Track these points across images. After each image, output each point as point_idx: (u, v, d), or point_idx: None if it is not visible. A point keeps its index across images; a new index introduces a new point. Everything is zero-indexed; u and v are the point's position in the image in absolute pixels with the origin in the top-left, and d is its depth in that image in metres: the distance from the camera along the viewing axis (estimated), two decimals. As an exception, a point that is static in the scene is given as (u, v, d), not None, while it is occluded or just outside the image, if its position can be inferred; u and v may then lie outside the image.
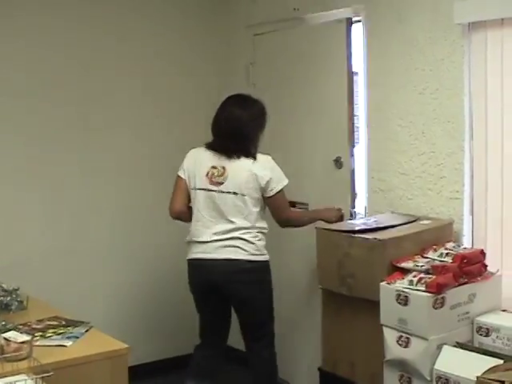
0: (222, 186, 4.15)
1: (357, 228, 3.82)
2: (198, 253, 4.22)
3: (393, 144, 4.30)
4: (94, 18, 5.00)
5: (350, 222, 4.15)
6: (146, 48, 5.27)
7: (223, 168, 4.17)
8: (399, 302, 3.36)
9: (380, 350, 3.50)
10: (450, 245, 3.71)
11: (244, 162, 4.14)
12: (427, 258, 3.59)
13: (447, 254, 3.56)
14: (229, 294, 4.22)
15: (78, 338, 3.39)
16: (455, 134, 3.93)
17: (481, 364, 3.07)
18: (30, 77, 4.74)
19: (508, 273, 3.67)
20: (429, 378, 3.26)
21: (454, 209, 3.95)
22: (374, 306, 3.51)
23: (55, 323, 3.61)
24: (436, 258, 3.57)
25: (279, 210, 4.26)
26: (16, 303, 3.87)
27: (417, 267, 3.47)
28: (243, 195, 4.12)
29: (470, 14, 3.72)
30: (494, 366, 3.04)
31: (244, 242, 4.13)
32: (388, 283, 3.45)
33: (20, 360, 2.94)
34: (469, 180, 3.91)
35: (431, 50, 4.01)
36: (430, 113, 4.05)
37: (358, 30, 4.56)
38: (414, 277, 3.39)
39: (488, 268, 3.58)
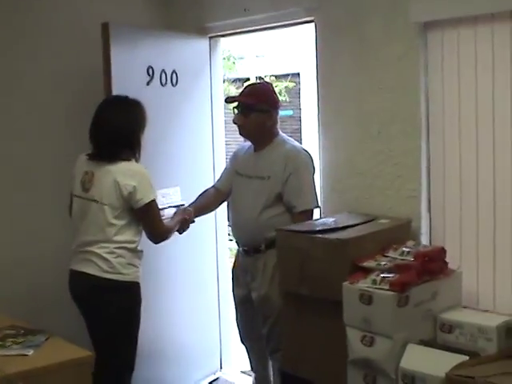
0: (88, 192, 3.98)
1: (317, 228, 3.80)
2: (70, 261, 4.07)
3: (348, 143, 4.31)
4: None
5: (309, 222, 4.12)
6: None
7: (92, 174, 3.98)
8: (363, 302, 3.35)
9: (343, 350, 3.48)
10: (410, 243, 3.72)
11: (111, 168, 3.92)
12: (388, 256, 3.60)
13: (408, 252, 3.57)
14: (86, 312, 4.03)
15: (38, 346, 3.34)
16: (412, 132, 3.95)
17: (446, 361, 3.11)
18: None
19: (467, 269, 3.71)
20: (394, 377, 3.26)
21: (411, 207, 3.97)
22: (335, 306, 3.49)
23: (13, 332, 3.55)
24: (397, 256, 3.58)
25: (149, 226, 4.03)
26: (-31, 312, 3.79)
27: (379, 266, 3.47)
28: (103, 204, 3.90)
29: (425, 13, 3.75)
30: (461, 363, 3.07)
31: (98, 257, 3.90)
32: (351, 283, 3.44)
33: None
34: (426, 178, 3.94)
35: (387, 49, 4.02)
36: (386, 112, 4.06)
37: (310, 30, 4.56)
38: (377, 276, 3.39)
39: (448, 265, 3.60)
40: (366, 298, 3.34)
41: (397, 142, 4.02)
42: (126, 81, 4.55)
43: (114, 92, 4.43)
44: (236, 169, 4.56)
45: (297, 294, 3.79)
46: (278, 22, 4.80)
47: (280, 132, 4.46)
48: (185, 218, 4.38)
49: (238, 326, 4.71)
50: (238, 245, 4.55)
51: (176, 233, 4.32)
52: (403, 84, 3.96)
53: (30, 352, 3.24)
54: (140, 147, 4.05)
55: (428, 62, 3.87)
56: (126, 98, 4.11)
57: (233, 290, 4.67)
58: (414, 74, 3.90)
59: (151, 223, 4.03)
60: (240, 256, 4.52)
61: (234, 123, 4.45)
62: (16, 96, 4.73)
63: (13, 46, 4.69)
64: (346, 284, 3.45)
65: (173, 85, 5.01)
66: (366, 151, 4.19)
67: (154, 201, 3.97)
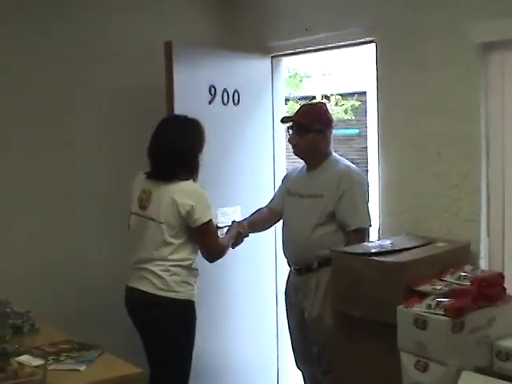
0: (146, 210, 4.00)
1: (372, 250, 3.77)
2: (128, 278, 4.10)
3: (407, 165, 4.28)
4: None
5: (365, 244, 4.09)
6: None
7: (150, 192, 4.01)
8: (417, 326, 3.29)
9: (396, 375, 3.43)
10: (467, 267, 3.65)
11: (170, 187, 3.94)
12: (445, 281, 3.53)
13: (465, 276, 3.50)
14: (141, 329, 4.06)
15: (91, 361, 3.35)
16: (471, 155, 3.90)
17: (502, 389, 3.04)
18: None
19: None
20: (448, 404, 3.20)
21: (470, 231, 3.92)
22: (388, 328, 3.44)
23: (68, 347, 3.56)
24: (454, 281, 3.51)
25: (205, 245, 4.04)
26: (28, 326, 3.83)
27: (435, 290, 3.41)
28: (161, 223, 3.92)
29: (486, 34, 3.71)
30: (516, 392, 3.01)
31: (153, 274, 3.92)
32: (405, 307, 3.38)
33: (35, 385, 2.91)
34: (485, 201, 3.88)
35: (447, 70, 3.99)
36: (446, 134, 4.02)
37: (364, 51, 4.55)
38: (432, 300, 3.33)
39: (507, 291, 3.53)
40: (421, 323, 3.28)
41: (456, 164, 3.98)
42: (188, 99, 4.60)
43: (176, 110, 4.48)
44: (288, 188, 4.56)
45: (349, 315, 3.76)
46: (339, 41, 4.80)
47: (333, 152, 4.48)
48: (239, 232, 4.42)
49: (292, 349, 4.69)
50: (289, 265, 4.54)
51: (230, 248, 4.34)
52: (463, 106, 3.92)
53: (83, 367, 3.26)
54: (198, 167, 4.05)
55: (488, 84, 3.81)
56: (185, 117, 4.13)
57: (287, 313, 4.65)
58: (473, 96, 3.86)
59: (207, 242, 4.04)
60: (292, 276, 4.51)
61: (289, 143, 4.47)
62: (80, 110, 4.83)
63: (77, 60, 4.78)
64: (400, 308, 3.40)
65: (235, 104, 5.04)
66: (424, 173, 4.15)
67: (210, 220, 3.98)
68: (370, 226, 4.29)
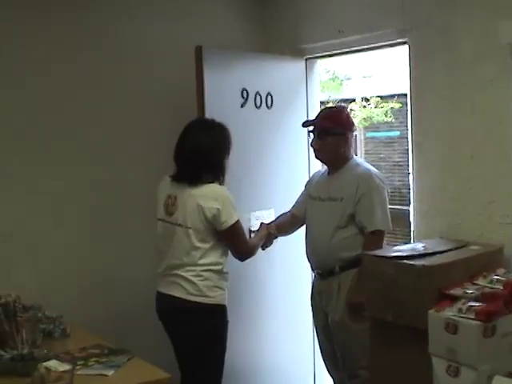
0: (172, 216, 4.00)
1: (404, 254, 3.72)
2: (158, 284, 4.10)
3: (441, 167, 4.23)
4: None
5: (397, 247, 4.05)
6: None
7: (175, 197, 4.00)
8: (448, 331, 3.24)
9: (427, 379, 3.39)
10: (500, 271, 3.60)
11: (194, 191, 3.93)
12: (477, 284, 3.48)
13: (497, 280, 3.46)
14: (172, 334, 4.06)
15: (119, 367, 3.37)
16: (505, 157, 3.84)
17: (534, 395, 2.98)
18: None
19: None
20: (480, 410, 3.15)
21: (504, 234, 3.85)
22: (421, 333, 3.39)
23: (97, 351, 3.60)
24: (486, 284, 3.46)
25: (235, 246, 4.06)
26: (59, 330, 3.87)
27: (466, 294, 3.36)
28: (187, 228, 3.92)
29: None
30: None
31: (184, 280, 3.92)
32: (436, 311, 3.34)
33: (61, 390, 2.93)
34: (519, 205, 3.82)
35: (479, 71, 3.94)
36: (479, 135, 3.97)
37: (404, 52, 4.51)
38: (463, 304, 3.28)
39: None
40: (452, 327, 3.23)
41: (490, 166, 3.92)
42: (220, 103, 4.61)
43: (208, 114, 4.47)
44: (309, 193, 4.55)
45: (382, 319, 3.72)
46: (372, 43, 4.78)
47: (354, 155, 4.47)
48: (269, 233, 4.43)
49: (322, 356, 4.67)
50: (312, 269, 4.53)
51: (260, 249, 4.37)
52: (496, 107, 3.86)
53: (111, 372, 3.27)
54: (224, 171, 4.05)
55: (521, 85, 3.75)
56: (212, 120, 4.15)
57: (313, 318, 4.63)
58: (507, 97, 3.79)
59: (236, 243, 4.06)
60: (315, 280, 4.50)
61: (311, 147, 4.46)
62: (111, 114, 4.84)
63: (109, 63, 4.81)
64: (431, 312, 3.35)
65: (268, 107, 5.03)
66: (458, 175, 4.11)
67: (238, 221, 3.98)
68: (389, 229, 4.27)
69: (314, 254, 4.43)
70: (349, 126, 4.41)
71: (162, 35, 4.97)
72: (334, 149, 4.33)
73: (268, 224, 4.56)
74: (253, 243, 4.30)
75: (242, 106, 4.85)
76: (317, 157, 4.51)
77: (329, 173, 4.47)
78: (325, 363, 4.65)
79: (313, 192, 4.52)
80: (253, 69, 4.94)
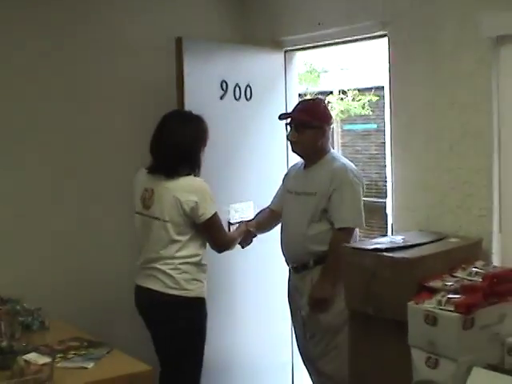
0: (149, 209, 3.99)
1: (384, 246, 3.72)
2: (136, 277, 4.11)
3: (419, 160, 4.24)
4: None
5: (376, 240, 4.06)
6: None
7: (152, 190, 3.99)
8: (427, 323, 3.26)
9: (408, 371, 3.40)
10: (479, 263, 3.61)
11: (170, 184, 3.93)
12: (456, 277, 3.49)
13: (476, 272, 3.47)
14: (151, 327, 4.07)
15: (99, 359, 3.36)
16: (483, 150, 3.86)
17: (513, 386, 3.00)
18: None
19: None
20: (458, 401, 3.17)
21: (482, 227, 3.87)
22: (401, 326, 3.40)
23: (77, 344, 3.59)
24: (465, 277, 3.47)
25: (213, 238, 4.07)
26: (38, 323, 3.83)
27: (445, 286, 3.37)
28: (165, 221, 3.91)
29: (498, 27, 3.66)
30: (527, 389, 2.96)
31: (162, 273, 3.92)
32: (416, 303, 3.35)
33: (41, 383, 2.91)
34: (497, 197, 3.84)
35: (459, 64, 3.95)
36: (458, 129, 3.98)
37: (382, 45, 4.51)
38: (443, 296, 3.29)
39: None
40: (431, 319, 3.24)
41: (468, 159, 3.94)
42: (200, 95, 4.60)
43: (187, 106, 4.47)
44: (286, 187, 4.55)
45: (362, 312, 3.73)
46: (351, 36, 4.77)
47: (331, 149, 4.46)
48: (248, 230, 4.44)
49: (298, 346, 4.69)
50: (287, 263, 4.52)
51: (239, 246, 4.39)
52: (475, 100, 3.87)
53: (90, 365, 3.26)
54: (200, 163, 4.06)
55: (500, 78, 3.76)
56: (189, 113, 4.16)
57: (290, 312, 4.64)
58: (486, 90, 3.81)
59: (215, 236, 4.07)
60: (290, 274, 4.50)
61: (288, 140, 4.46)
62: (91, 104, 4.82)
63: (88, 55, 4.78)
64: (410, 304, 3.36)
65: (247, 99, 5.03)
66: (436, 168, 4.12)
67: (215, 214, 3.98)
68: (358, 226, 4.27)
69: (288, 247, 4.43)
70: (326, 118, 4.40)
71: (140, 26, 4.95)
72: (311, 141, 4.31)
73: (248, 221, 4.58)
74: (231, 236, 4.32)
75: (221, 98, 4.84)
76: (293, 150, 4.49)
77: (305, 166, 4.46)
78: (301, 356, 4.67)
79: (289, 186, 4.52)
80: (232, 60, 4.93)
